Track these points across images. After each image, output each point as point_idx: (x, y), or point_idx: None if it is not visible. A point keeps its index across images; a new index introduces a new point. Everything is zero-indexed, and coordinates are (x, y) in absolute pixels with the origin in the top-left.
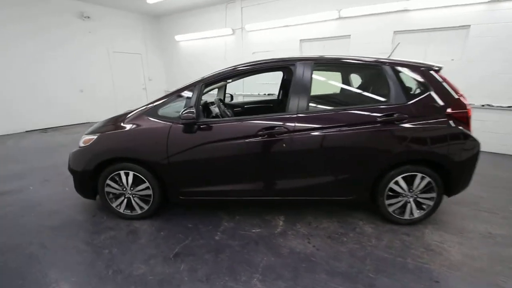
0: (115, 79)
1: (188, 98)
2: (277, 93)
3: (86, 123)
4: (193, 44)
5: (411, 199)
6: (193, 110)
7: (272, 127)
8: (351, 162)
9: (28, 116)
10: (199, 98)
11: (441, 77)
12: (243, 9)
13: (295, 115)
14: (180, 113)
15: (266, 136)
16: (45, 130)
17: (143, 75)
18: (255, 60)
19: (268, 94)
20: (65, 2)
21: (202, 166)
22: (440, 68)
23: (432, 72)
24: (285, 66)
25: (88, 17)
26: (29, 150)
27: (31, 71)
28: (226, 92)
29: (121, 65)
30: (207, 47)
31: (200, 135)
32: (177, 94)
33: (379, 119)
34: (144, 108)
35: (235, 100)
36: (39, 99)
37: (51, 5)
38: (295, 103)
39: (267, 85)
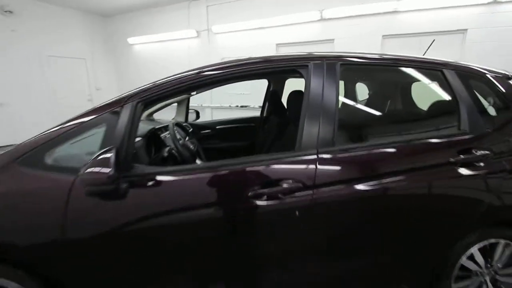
0: (50, 89)
1: (108, 129)
2: (252, 105)
3: (6, 146)
4: (151, 48)
5: (487, 278)
6: (110, 156)
7: (273, 182)
8: (408, 233)
9: None
10: (131, 128)
11: None
12: (208, 7)
13: (315, 156)
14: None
15: (264, 198)
16: None
17: (88, 84)
18: (234, 59)
19: (241, 106)
20: None
21: (140, 261)
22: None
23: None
24: (289, 68)
25: (11, 11)
26: None
27: None
28: (190, 106)
29: (58, 72)
30: (167, 51)
31: (135, 200)
32: (85, 120)
33: (452, 159)
34: (15, 151)
35: (202, 118)
36: None
37: None
38: (313, 134)
39: (241, 96)
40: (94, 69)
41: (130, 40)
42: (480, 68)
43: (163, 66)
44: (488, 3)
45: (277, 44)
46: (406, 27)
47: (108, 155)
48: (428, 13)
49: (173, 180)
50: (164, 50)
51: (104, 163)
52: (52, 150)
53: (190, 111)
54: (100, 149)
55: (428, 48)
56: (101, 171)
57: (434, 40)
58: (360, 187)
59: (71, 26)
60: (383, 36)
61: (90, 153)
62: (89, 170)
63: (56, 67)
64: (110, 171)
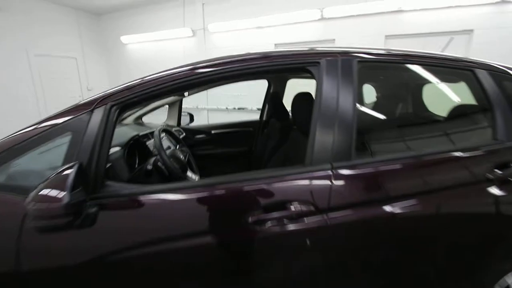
0: (39, 89)
1: (74, 139)
2: (250, 107)
3: None
4: (145, 47)
5: None
6: (68, 175)
7: (280, 204)
8: (438, 261)
9: None
10: (103, 137)
11: None
12: (204, 5)
13: (329, 171)
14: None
15: (267, 224)
16: None
17: (79, 84)
18: (234, 55)
19: (239, 108)
20: None
21: None
22: None
23: None
24: (297, 66)
25: None
26: None
27: None
28: (182, 108)
29: (48, 72)
30: (162, 51)
31: (106, 228)
32: (46, 128)
33: (490, 176)
34: None
35: (198, 121)
36: None
37: None
38: (326, 145)
39: (238, 97)
40: (86, 69)
41: (124, 39)
42: (506, 67)
43: (158, 66)
44: (496, 3)
45: (275, 44)
46: (410, 27)
47: (66, 173)
48: (433, 13)
49: (155, 202)
50: (159, 49)
51: (59, 186)
52: (3, 166)
53: (183, 113)
54: (63, 164)
55: (446, 46)
56: (54, 198)
57: (452, 38)
58: (384, 209)
59: (61, 24)
60: (386, 36)
61: (53, 167)
62: (39, 194)
63: (45, 66)
64: (65, 196)
